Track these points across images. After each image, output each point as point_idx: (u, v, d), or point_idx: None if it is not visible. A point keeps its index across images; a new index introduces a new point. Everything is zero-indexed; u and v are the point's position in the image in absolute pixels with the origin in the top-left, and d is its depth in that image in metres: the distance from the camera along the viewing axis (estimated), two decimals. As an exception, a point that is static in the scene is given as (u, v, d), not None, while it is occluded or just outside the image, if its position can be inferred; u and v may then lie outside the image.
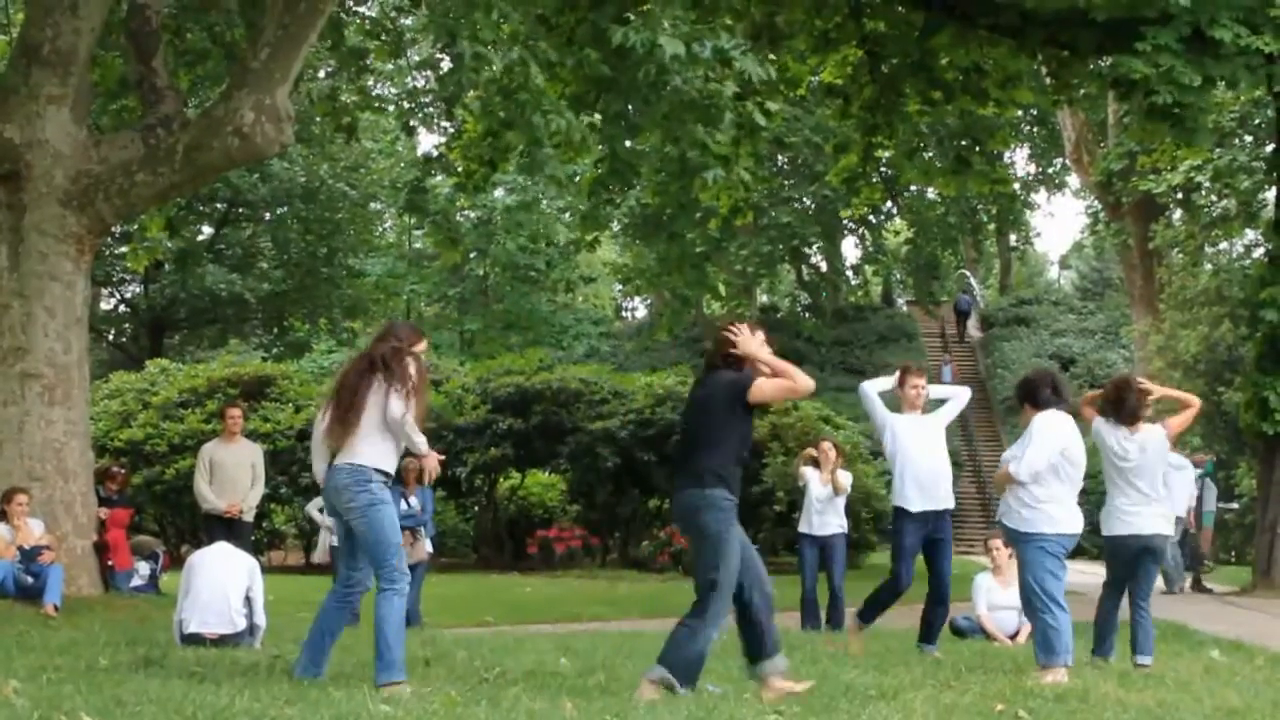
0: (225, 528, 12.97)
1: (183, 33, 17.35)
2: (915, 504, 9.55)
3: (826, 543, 12.89)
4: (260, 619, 9.51)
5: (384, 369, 7.12)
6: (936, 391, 10.33)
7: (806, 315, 45.05)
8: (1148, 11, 16.52)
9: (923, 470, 9.58)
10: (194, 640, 9.12)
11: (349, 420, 7.10)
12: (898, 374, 9.88)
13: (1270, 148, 22.99)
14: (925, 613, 9.84)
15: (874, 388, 9.79)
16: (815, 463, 13.13)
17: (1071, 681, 7.61)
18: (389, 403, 7.06)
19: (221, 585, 9.41)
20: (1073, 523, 8.16)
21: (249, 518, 13.76)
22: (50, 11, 13.16)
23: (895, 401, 9.97)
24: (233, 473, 13.66)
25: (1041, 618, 8.02)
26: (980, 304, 52.26)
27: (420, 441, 7.18)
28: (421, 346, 7.41)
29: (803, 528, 13.02)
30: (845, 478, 13.04)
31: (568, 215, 38.08)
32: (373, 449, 7.12)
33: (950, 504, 9.77)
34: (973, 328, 49.30)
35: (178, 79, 16.24)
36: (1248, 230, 31.00)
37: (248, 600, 9.49)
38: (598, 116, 16.73)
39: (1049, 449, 8.07)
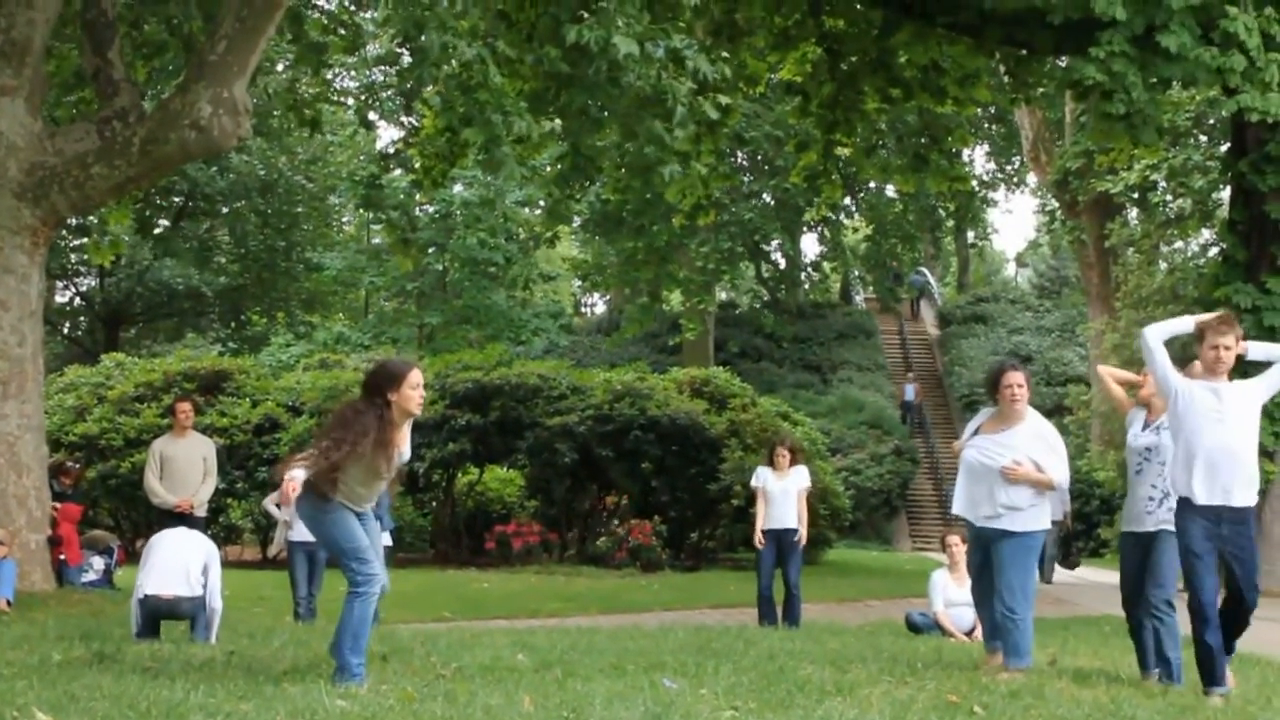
0: (178, 523, 12.86)
1: (139, 24, 17.22)
2: (1201, 494, 7.39)
3: (783, 538, 13.08)
4: (216, 601, 9.45)
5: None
6: (1256, 352, 7.76)
7: (766, 312, 45.13)
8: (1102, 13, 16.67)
9: (1215, 452, 7.39)
10: (151, 603, 9.11)
11: None
12: (1195, 324, 7.78)
13: (1225, 147, 23.22)
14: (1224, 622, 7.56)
15: (1158, 336, 7.88)
16: (772, 464, 13.30)
17: (1026, 678, 7.66)
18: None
19: (181, 555, 9.45)
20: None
21: (201, 513, 13.61)
22: (4, 2, 13.03)
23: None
24: (183, 467, 13.51)
25: (1013, 618, 7.97)
26: (936, 297, 52.45)
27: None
28: (404, 386, 7.00)
29: (761, 525, 13.17)
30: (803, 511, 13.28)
31: (526, 210, 38.02)
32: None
33: (1250, 500, 7.46)
34: (930, 323, 49.47)
35: (134, 71, 16.12)
36: (1203, 229, 31.32)
37: (205, 575, 9.47)
38: (559, 122, 16.73)
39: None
